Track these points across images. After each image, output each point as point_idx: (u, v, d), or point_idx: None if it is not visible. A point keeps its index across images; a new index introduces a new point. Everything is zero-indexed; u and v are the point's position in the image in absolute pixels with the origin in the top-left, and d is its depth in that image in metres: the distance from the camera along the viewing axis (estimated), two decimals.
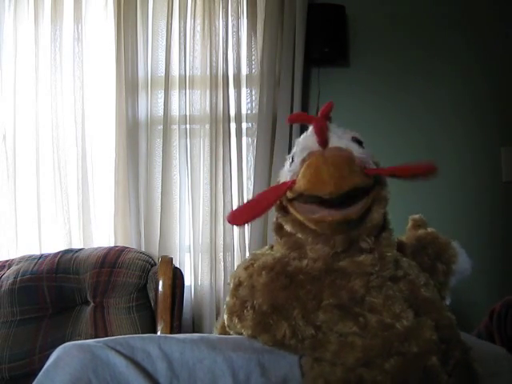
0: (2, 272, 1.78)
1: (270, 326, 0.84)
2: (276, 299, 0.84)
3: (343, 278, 0.83)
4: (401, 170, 0.86)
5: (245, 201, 2.12)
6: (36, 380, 0.82)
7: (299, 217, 0.86)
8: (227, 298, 0.93)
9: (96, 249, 1.81)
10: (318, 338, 0.81)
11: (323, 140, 0.84)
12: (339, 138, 0.86)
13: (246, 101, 2.16)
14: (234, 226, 2.10)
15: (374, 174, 0.84)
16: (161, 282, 1.67)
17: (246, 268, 0.92)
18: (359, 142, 0.88)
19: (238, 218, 0.88)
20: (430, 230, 1.04)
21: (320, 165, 0.79)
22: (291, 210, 0.87)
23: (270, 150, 2.09)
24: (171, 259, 1.76)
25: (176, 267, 1.78)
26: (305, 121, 0.90)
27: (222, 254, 2.10)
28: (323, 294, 0.83)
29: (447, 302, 1.01)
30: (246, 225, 2.12)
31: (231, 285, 0.93)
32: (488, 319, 1.31)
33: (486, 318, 1.32)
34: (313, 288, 0.84)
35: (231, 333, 0.93)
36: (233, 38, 2.13)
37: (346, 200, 0.82)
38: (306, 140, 0.89)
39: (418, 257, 0.97)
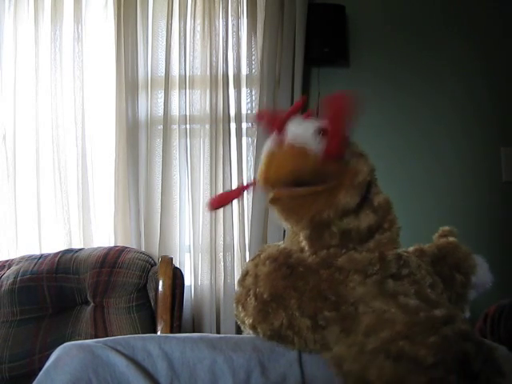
0: (2, 272, 1.78)
1: (268, 314, 0.85)
2: (276, 288, 0.85)
3: (341, 273, 0.84)
4: (330, 139, 0.85)
5: (245, 200, 2.14)
6: (36, 380, 0.82)
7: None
8: (236, 289, 0.95)
9: (96, 249, 1.81)
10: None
11: (275, 132, 0.88)
12: (298, 129, 0.87)
13: (246, 101, 2.16)
14: (234, 226, 2.11)
15: (328, 157, 0.85)
16: (161, 282, 1.67)
17: (253, 259, 0.94)
18: (324, 132, 0.88)
19: (213, 203, 0.95)
20: (451, 239, 1.03)
21: (268, 160, 0.85)
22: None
23: None
24: (171, 259, 1.76)
25: (176, 267, 1.77)
26: (270, 119, 0.94)
27: (221, 253, 2.10)
28: (321, 286, 0.83)
29: (466, 315, 1.00)
30: (247, 225, 2.13)
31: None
32: (482, 323, 1.31)
33: (479, 322, 1.32)
34: (311, 280, 0.84)
35: (239, 323, 0.94)
36: (233, 38, 2.14)
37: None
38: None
39: (437, 266, 0.97)
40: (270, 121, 0.90)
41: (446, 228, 1.08)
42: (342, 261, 0.85)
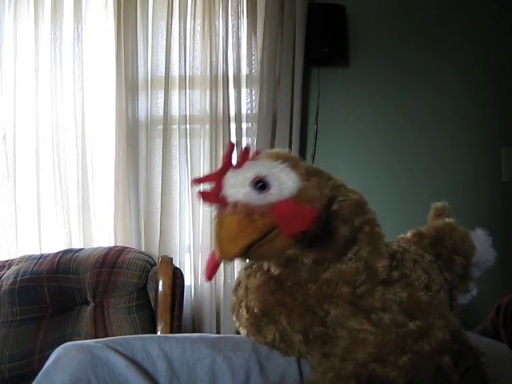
0: (2, 272, 1.78)
1: (261, 328, 0.86)
2: (265, 303, 0.85)
3: (329, 286, 0.83)
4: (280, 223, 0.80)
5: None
6: (36, 380, 0.82)
7: None
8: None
9: (96, 249, 1.81)
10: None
11: (214, 202, 0.84)
12: (235, 188, 0.82)
13: (246, 101, 2.16)
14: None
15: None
16: (161, 282, 1.67)
17: (246, 268, 0.94)
18: (263, 185, 0.81)
19: (206, 275, 0.88)
20: (448, 220, 1.02)
21: (217, 233, 0.79)
22: None
23: None
24: (171, 259, 1.75)
25: (176, 267, 1.77)
26: (206, 181, 0.88)
27: None
28: (309, 302, 0.83)
29: (473, 293, 0.99)
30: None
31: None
32: (494, 314, 1.30)
33: (492, 313, 1.31)
34: (299, 295, 0.84)
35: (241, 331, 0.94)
36: (233, 38, 2.13)
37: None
38: None
39: (436, 248, 0.96)
40: (209, 195, 0.85)
41: (439, 204, 1.07)
42: (330, 273, 0.84)
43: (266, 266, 0.90)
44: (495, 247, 1.07)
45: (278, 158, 0.86)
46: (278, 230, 0.79)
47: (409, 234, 0.99)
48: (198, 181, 0.89)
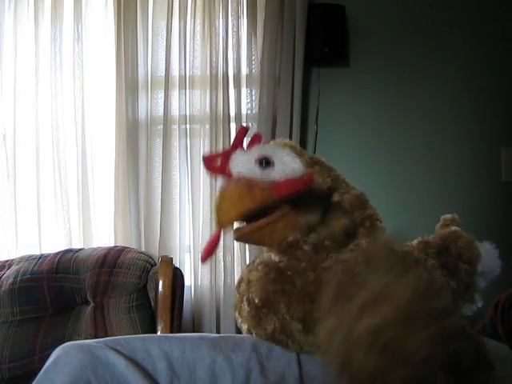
0: (2, 272, 1.78)
1: (261, 320, 0.86)
2: (266, 293, 0.86)
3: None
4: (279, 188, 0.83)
5: None
6: (36, 380, 0.82)
7: None
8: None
9: (96, 249, 1.81)
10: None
11: (218, 172, 0.89)
12: (240, 165, 0.87)
13: (246, 101, 2.16)
14: (234, 226, 2.10)
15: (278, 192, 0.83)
16: (161, 282, 1.67)
17: (248, 265, 0.95)
18: (267, 162, 0.86)
19: (203, 256, 0.91)
20: (453, 228, 1.02)
21: (217, 203, 0.83)
22: None
23: None
24: (171, 259, 1.76)
25: (176, 267, 1.78)
26: (215, 158, 0.92)
27: (222, 254, 2.10)
28: (308, 288, 0.83)
29: (479, 304, 0.99)
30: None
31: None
32: (493, 310, 1.30)
33: (490, 310, 1.30)
34: (298, 282, 0.84)
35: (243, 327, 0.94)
36: (233, 38, 2.13)
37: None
38: None
39: (442, 256, 0.96)
40: (212, 163, 0.89)
41: (448, 216, 1.07)
42: (329, 262, 0.85)
43: (266, 257, 0.91)
44: (495, 246, 1.06)
45: (285, 145, 0.92)
46: (280, 214, 0.83)
47: (414, 242, 0.99)
48: (208, 157, 0.92)
